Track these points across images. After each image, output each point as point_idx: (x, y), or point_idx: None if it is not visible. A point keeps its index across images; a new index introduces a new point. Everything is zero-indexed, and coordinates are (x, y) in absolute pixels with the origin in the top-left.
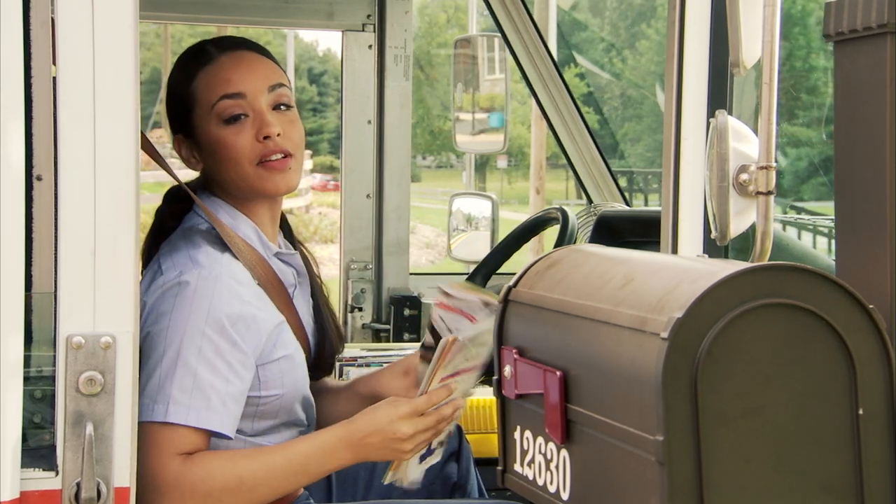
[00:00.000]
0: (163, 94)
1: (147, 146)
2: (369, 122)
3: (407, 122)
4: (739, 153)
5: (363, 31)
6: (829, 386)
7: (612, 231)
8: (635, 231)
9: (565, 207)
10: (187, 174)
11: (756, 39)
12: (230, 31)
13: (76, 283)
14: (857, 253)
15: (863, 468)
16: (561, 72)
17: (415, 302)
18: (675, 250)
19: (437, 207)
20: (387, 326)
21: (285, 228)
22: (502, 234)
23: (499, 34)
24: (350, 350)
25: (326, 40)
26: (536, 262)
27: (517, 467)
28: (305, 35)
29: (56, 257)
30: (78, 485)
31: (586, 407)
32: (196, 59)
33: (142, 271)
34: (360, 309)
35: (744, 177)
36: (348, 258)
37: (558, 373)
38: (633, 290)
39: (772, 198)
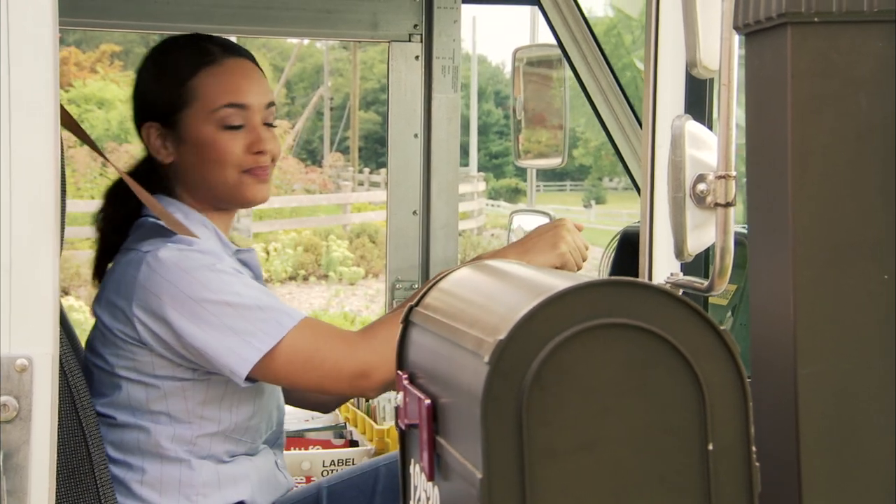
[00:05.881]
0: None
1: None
2: (416, 135)
3: (455, 135)
4: (698, 161)
5: (409, 41)
6: (676, 417)
7: (635, 247)
8: None
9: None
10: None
11: (715, 36)
12: (260, 41)
13: None
14: (765, 256)
15: None
16: (622, 84)
17: None
18: (650, 268)
19: (616, 230)
20: None
21: None
22: None
23: (557, 46)
24: None
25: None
26: (438, 280)
27: None
28: (493, 57)
29: None
30: None
31: (447, 439)
32: (198, 56)
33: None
34: None
35: (701, 187)
36: (394, 277)
37: (427, 401)
38: (485, 310)
39: (732, 210)
